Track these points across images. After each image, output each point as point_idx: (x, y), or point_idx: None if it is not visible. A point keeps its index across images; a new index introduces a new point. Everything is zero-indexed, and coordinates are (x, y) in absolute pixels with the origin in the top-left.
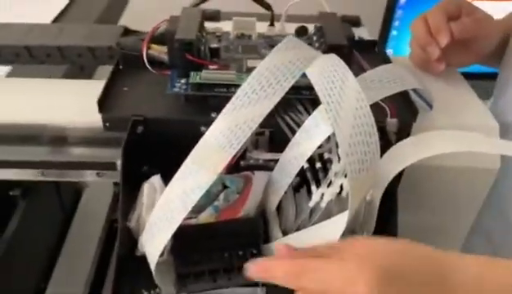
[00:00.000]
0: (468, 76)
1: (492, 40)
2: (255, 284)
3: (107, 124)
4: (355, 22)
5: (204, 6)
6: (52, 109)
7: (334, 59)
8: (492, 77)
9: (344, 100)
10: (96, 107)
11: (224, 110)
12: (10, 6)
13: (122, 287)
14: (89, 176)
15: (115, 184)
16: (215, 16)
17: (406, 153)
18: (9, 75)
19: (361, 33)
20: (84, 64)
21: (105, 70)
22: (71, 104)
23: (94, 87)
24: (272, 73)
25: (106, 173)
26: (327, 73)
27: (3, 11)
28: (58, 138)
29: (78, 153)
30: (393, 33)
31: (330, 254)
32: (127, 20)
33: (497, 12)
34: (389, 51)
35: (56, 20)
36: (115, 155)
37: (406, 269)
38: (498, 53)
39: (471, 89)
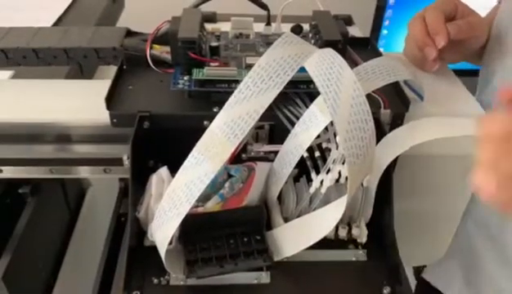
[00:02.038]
0: (456, 73)
1: (482, 40)
2: (260, 269)
3: (115, 120)
4: (347, 21)
5: (200, 8)
6: (59, 108)
7: (330, 52)
8: (477, 74)
9: (341, 89)
10: (101, 105)
11: (228, 102)
12: (9, 10)
13: (133, 276)
14: (96, 172)
15: (121, 179)
16: (212, 18)
17: (401, 139)
18: (13, 77)
19: (353, 31)
20: (89, 65)
21: (105, 71)
22: (77, 102)
23: (97, 87)
24: (272, 67)
25: (113, 169)
26: (324, 65)
27: (3, 16)
28: (65, 136)
29: (85, 150)
30: (384, 32)
31: None
32: (123, 23)
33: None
34: (380, 50)
35: (56, 23)
36: (121, 151)
37: None
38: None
39: (460, 81)
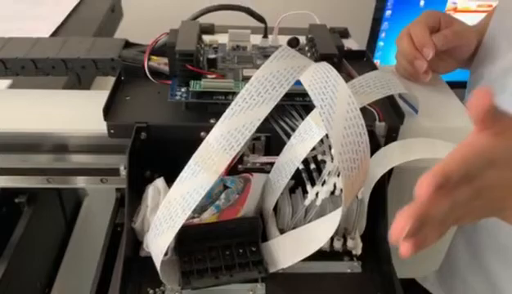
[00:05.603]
0: (449, 85)
1: (471, 46)
2: (255, 280)
3: (112, 131)
4: (343, 34)
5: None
6: (57, 118)
7: (325, 66)
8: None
9: (336, 103)
10: (98, 115)
11: (224, 115)
12: (8, 21)
13: (128, 286)
14: (93, 182)
15: (118, 189)
16: (210, 30)
17: (392, 156)
18: (11, 87)
19: (350, 44)
20: (88, 76)
21: (102, 81)
22: (75, 113)
23: (95, 97)
24: (269, 80)
25: (109, 179)
26: (320, 79)
27: (2, 26)
28: (63, 146)
29: (82, 160)
30: (380, 43)
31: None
32: (122, 32)
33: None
34: (376, 61)
35: (55, 33)
36: (118, 161)
37: None
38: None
39: (453, 94)
